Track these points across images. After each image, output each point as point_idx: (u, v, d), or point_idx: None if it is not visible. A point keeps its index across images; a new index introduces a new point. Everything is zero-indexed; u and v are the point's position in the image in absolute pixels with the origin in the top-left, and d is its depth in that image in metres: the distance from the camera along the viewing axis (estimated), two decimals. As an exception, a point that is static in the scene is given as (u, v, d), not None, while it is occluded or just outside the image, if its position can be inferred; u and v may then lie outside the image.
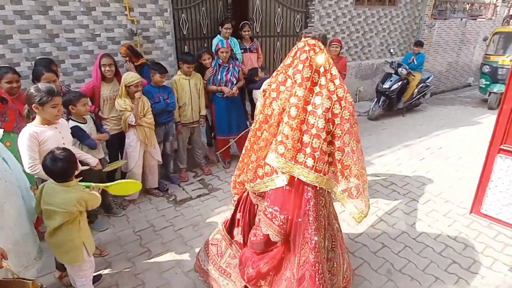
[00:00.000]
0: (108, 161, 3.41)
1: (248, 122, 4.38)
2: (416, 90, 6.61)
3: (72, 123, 2.66)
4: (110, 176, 3.38)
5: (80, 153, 2.49)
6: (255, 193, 1.97)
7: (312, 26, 6.26)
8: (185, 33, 5.03)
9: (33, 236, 1.98)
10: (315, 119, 1.63)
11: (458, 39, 9.41)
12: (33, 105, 2.02)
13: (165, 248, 2.80)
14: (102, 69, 3.08)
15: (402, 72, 6.21)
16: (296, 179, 1.71)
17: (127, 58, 3.72)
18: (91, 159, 2.57)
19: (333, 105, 1.66)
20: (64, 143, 2.24)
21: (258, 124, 1.89)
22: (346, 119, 1.68)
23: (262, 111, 1.87)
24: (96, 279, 2.41)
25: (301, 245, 1.79)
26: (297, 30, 6.27)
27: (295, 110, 1.63)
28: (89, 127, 2.77)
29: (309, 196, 1.75)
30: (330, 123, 1.67)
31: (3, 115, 2.40)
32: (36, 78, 2.71)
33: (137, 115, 3.14)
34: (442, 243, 2.89)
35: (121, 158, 3.44)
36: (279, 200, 1.78)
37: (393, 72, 6.40)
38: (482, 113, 7.05)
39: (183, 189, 3.79)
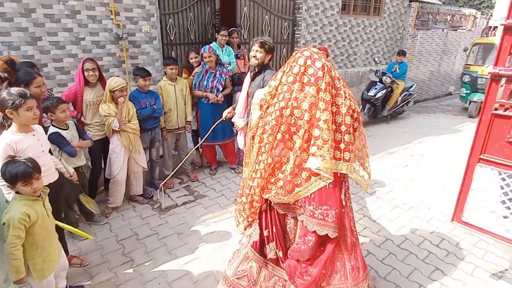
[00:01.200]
0: (91, 167, 3.33)
1: (234, 129, 4.36)
2: (400, 98, 6.78)
3: (52, 129, 2.59)
4: (91, 185, 3.30)
5: (56, 162, 2.40)
6: (281, 204, 1.96)
7: (299, 34, 6.34)
8: (172, 38, 5.01)
9: (2, 256, 1.83)
10: (341, 118, 1.80)
11: (440, 49, 9.72)
12: (7, 110, 1.93)
13: (149, 257, 2.74)
14: (86, 73, 3.01)
15: (386, 80, 6.36)
16: (336, 174, 1.83)
17: (6, 75, 2.86)
18: (67, 169, 2.48)
19: (351, 103, 1.86)
20: (43, 151, 2.17)
21: (270, 138, 1.87)
22: (358, 112, 1.90)
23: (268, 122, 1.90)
24: (77, 290, 2.34)
25: (346, 232, 1.91)
26: (285, 38, 6.34)
27: (328, 114, 1.75)
28: (70, 134, 2.70)
29: (346, 186, 1.94)
30: (353, 119, 1.86)
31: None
32: (26, 83, 2.58)
33: (121, 120, 3.08)
34: (425, 250, 2.93)
35: (105, 164, 3.36)
36: (326, 198, 1.83)
37: (377, 80, 6.54)
38: (462, 121, 7.27)
39: (169, 196, 3.73)
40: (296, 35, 6.40)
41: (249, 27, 5.78)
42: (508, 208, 2.05)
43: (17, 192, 1.82)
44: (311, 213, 1.83)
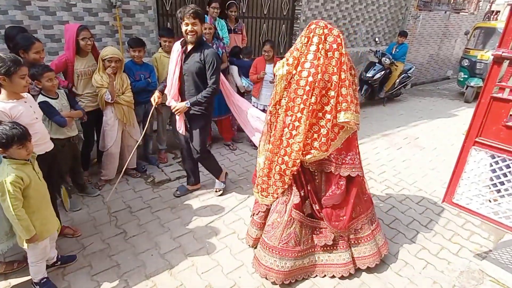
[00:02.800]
0: (83, 139, 3.27)
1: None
2: (398, 80, 6.72)
3: (41, 98, 2.50)
4: (84, 157, 3.26)
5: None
6: (314, 162, 2.21)
7: (300, 10, 6.15)
8: (168, 8, 4.82)
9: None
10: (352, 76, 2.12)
11: (441, 31, 9.56)
12: (0, 76, 1.87)
13: (142, 229, 2.76)
14: (82, 42, 2.90)
15: (386, 61, 6.27)
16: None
17: None
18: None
19: (351, 63, 2.15)
20: (37, 118, 2.12)
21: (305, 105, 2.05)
22: (354, 68, 2.20)
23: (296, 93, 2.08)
24: (70, 259, 2.36)
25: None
26: (284, 13, 6.15)
27: (349, 74, 2.07)
28: (60, 103, 2.62)
29: (357, 133, 2.25)
30: (353, 77, 2.14)
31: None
32: (25, 48, 2.49)
33: (113, 92, 3.01)
34: (413, 230, 3.00)
35: (98, 136, 3.31)
36: (351, 146, 2.21)
37: (376, 61, 6.45)
38: (458, 106, 7.28)
39: (162, 171, 3.72)
40: (296, 11, 6.21)
41: (248, 1, 5.58)
42: (498, 191, 2.08)
43: (4, 157, 1.80)
44: (343, 161, 2.18)
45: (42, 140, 2.16)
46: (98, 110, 3.19)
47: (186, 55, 2.73)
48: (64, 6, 3.80)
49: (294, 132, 2.10)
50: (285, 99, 2.16)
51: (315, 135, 2.09)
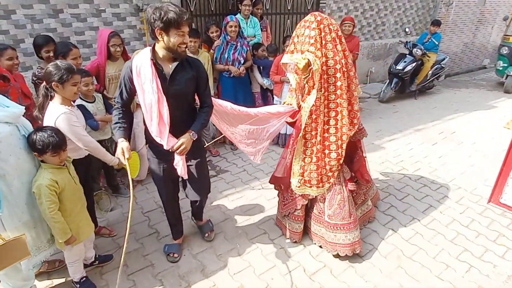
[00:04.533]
0: (116, 141, 3.36)
1: (257, 103, 4.27)
2: (430, 72, 6.38)
3: (78, 101, 2.60)
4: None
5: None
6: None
7: (324, 3, 5.99)
8: (192, 9, 4.85)
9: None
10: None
11: (476, 18, 8.99)
12: (53, 83, 1.94)
13: (173, 229, 2.79)
14: (112, 49, 2.97)
15: (417, 52, 5.97)
16: None
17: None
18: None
19: None
20: (83, 125, 2.20)
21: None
22: None
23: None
24: (107, 258, 2.44)
25: None
26: (309, 7, 6.01)
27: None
28: (95, 107, 2.71)
29: None
30: None
31: (5, 94, 2.34)
32: (63, 54, 2.63)
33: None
34: (453, 231, 2.83)
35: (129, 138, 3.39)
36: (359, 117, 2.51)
37: (407, 52, 6.16)
38: (497, 97, 6.82)
39: (191, 171, 3.75)
40: (321, 4, 6.05)
41: (271, -3, 5.50)
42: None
43: (42, 161, 1.87)
44: (360, 127, 2.57)
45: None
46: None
47: (172, 75, 1.95)
48: (94, 12, 3.93)
49: (339, 117, 2.29)
50: (321, 91, 2.23)
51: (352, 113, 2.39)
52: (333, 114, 2.30)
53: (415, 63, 6.03)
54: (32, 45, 2.94)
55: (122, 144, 1.94)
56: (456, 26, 8.53)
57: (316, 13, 2.24)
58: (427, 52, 6.15)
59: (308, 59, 2.15)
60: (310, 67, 2.20)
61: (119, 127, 2.01)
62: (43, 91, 2.03)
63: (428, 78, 6.48)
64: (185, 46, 1.90)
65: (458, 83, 8.20)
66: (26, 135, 1.83)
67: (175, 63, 1.95)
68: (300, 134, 2.35)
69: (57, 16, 3.73)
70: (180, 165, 2.05)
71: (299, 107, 2.40)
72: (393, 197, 3.28)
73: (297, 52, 2.28)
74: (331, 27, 2.21)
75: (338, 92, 2.24)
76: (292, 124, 2.57)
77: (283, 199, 2.64)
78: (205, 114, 2.16)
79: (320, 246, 2.59)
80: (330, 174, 2.39)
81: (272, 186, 2.82)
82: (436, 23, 6.25)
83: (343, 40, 2.28)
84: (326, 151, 2.35)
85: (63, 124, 1.97)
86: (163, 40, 1.84)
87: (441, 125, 5.19)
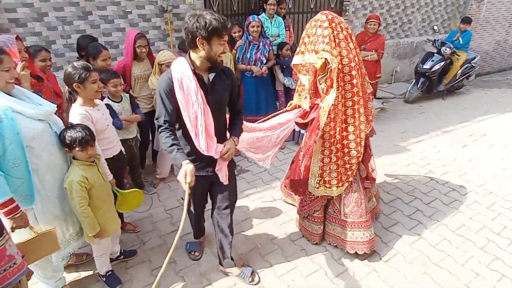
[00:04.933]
0: (140, 139, 3.44)
1: (277, 103, 4.25)
2: (459, 71, 6.12)
3: (105, 101, 2.68)
4: (140, 155, 3.41)
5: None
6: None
7: (348, 1, 5.88)
8: (215, 9, 4.89)
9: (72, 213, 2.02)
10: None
11: (510, 15, 8.53)
12: (74, 84, 2.01)
13: (195, 227, 2.83)
14: (138, 50, 3.04)
15: (446, 51, 5.74)
16: None
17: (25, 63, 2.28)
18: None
19: None
20: (108, 125, 2.25)
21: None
22: None
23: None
24: (131, 254, 2.50)
25: None
26: (332, 6, 5.92)
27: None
28: (121, 106, 2.78)
29: None
30: None
31: (39, 93, 2.44)
32: (93, 56, 2.75)
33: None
34: (484, 237, 2.70)
35: (153, 137, 3.46)
36: None
37: (435, 51, 5.94)
38: (533, 97, 6.46)
39: (212, 170, 3.78)
40: (344, 3, 5.94)
41: (294, -4, 5.46)
42: None
43: (74, 158, 1.94)
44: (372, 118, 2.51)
45: (110, 145, 2.31)
46: (153, 111, 3.33)
47: (211, 84, 1.89)
48: (121, 14, 4.04)
49: (357, 115, 2.28)
50: (338, 90, 2.21)
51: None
52: (350, 112, 2.28)
53: (443, 62, 5.80)
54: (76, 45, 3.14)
55: (187, 166, 1.73)
56: (488, 24, 8.13)
57: (326, 12, 2.23)
58: (456, 51, 5.90)
59: (325, 58, 2.12)
60: (327, 67, 2.17)
61: (177, 149, 1.79)
62: (66, 95, 2.11)
63: (457, 78, 6.22)
64: (223, 55, 1.84)
65: (489, 82, 7.82)
66: (58, 132, 1.91)
67: (213, 73, 1.86)
68: (319, 135, 2.32)
69: (86, 18, 3.87)
70: (223, 170, 1.99)
71: (311, 107, 2.39)
72: (419, 201, 3.17)
73: (308, 52, 2.24)
74: (342, 25, 2.20)
75: (355, 89, 2.23)
76: (302, 126, 2.56)
77: (301, 201, 2.62)
78: (240, 121, 2.14)
79: (336, 246, 2.56)
80: (349, 172, 2.37)
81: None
82: (467, 20, 5.98)
83: (353, 38, 2.27)
84: (346, 150, 2.34)
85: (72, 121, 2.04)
86: (204, 49, 1.72)
87: (471, 127, 4.97)
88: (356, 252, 2.44)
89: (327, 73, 2.21)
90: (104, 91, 2.70)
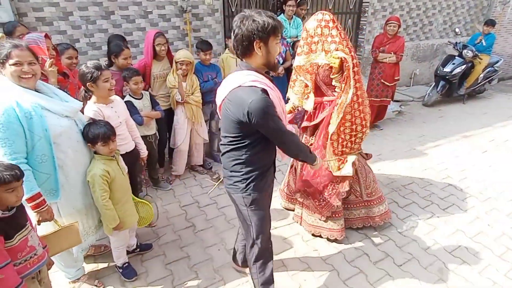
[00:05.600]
0: (158, 137, 3.51)
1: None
2: (481, 75, 5.96)
3: (127, 98, 2.77)
4: (159, 152, 3.48)
5: (136, 133, 2.57)
6: None
7: (368, 2, 5.82)
8: (233, 10, 4.94)
9: (95, 207, 2.08)
10: None
11: (537, 17, 8.23)
12: (88, 83, 2.10)
13: (209, 224, 2.88)
14: (157, 48, 3.11)
15: (468, 54, 5.60)
16: None
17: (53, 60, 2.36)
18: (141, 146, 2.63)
19: None
20: (120, 122, 2.32)
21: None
22: None
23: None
24: (147, 247, 2.57)
25: None
26: (351, 7, 5.88)
27: None
28: (142, 103, 2.86)
29: None
30: None
31: (64, 89, 2.54)
32: (115, 54, 2.85)
33: (182, 93, 3.17)
34: (503, 245, 2.63)
35: (169, 134, 3.53)
36: None
37: (456, 54, 5.80)
38: (559, 103, 6.21)
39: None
40: (364, 4, 5.89)
41: (312, -4, 5.46)
42: None
43: (95, 153, 2.02)
44: None
45: (123, 141, 2.38)
46: (170, 109, 3.40)
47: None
48: (142, 14, 4.14)
49: (361, 108, 2.34)
50: (355, 87, 2.27)
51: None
52: (358, 103, 2.34)
53: (464, 66, 5.67)
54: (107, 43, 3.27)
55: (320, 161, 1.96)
56: (513, 26, 7.87)
57: (325, 11, 2.23)
58: (478, 54, 5.74)
59: (342, 58, 2.15)
60: (346, 65, 2.20)
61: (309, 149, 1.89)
62: (82, 93, 2.20)
63: (479, 82, 6.05)
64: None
65: (513, 87, 7.57)
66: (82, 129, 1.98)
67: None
68: (329, 140, 2.38)
69: (109, 17, 3.99)
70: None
71: (316, 108, 2.48)
72: (436, 206, 3.11)
73: (314, 53, 2.26)
74: (339, 25, 2.25)
75: (358, 85, 2.28)
76: (303, 129, 2.64)
77: (318, 203, 2.60)
78: None
79: (363, 227, 2.75)
80: (360, 134, 2.46)
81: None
82: (491, 23, 5.81)
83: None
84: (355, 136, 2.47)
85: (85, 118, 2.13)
86: (262, 53, 1.56)
87: (492, 132, 4.83)
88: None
89: (345, 71, 2.23)
90: (125, 89, 2.79)
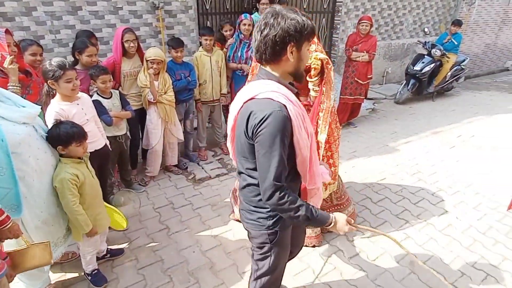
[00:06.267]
0: (130, 137, 3.40)
1: None
2: (449, 73, 6.21)
3: (94, 97, 2.66)
4: (131, 155, 3.37)
5: (102, 130, 2.49)
6: None
7: (341, 2, 5.91)
8: (207, 7, 4.87)
9: (62, 215, 1.98)
10: None
11: (500, 18, 8.69)
12: (49, 81, 2.02)
13: (184, 226, 2.81)
14: (126, 45, 3.01)
15: (436, 53, 5.82)
16: None
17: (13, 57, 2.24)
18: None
19: None
20: (87, 119, 2.23)
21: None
22: None
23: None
24: (118, 252, 2.47)
25: None
26: (325, 6, 5.95)
27: None
28: (111, 103, 2.75)
29: None
30: None
31: (27, 88, 2.40)
32: (79, 50, 2.71)
33: (155, 92, 3.09)
34: (470, 237, 2.74)
35: (142, 135, 3.43)
36: None
37: (425, 53, 6.01)
38: (520, 100, 6.58)
39: (202, 168, 3.77)
40: (337, 3, 5.98)
41: (287, -5, 5.46)
42: None
43: (61, 156, 1.91)
44: None
45: (92, 139, 2.28)
46: (142, 109, 3.29)
47: None
48: (111, 9, 3.99)
49: (335, 110, 2.42)
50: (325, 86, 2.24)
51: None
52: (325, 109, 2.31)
53: (433, 64, 5.88)
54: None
55: (340, 217, 1.45)
56: (478, 26, 8.27)
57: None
58: (446, 53, 5.98)
59: (323, 59, 2.11)
60: (329, 67, 2.16)
61: (312, 207, 1.36)
62: (45, 90, 2.11)
63: (447, 80, 6.31)
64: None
65: (478, 85, 7.95)
66: (44, 135, 1.86)
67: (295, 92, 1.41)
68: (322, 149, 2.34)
69: (76, 13, 3.81)
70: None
71: None
72: (407, 201, 3.20)
73: None
74: None
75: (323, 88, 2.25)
76: None
77: None
78: None
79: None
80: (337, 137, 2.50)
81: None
82: (457, 23, 6.06)
83: None
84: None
85: (47, 118, 2.06)
86: (294, 59, 1.30)
87: (460, 128, 5.04)
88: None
89: (325, 74, 2.16)
90: (91, 88, 2.67)
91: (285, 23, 1.22)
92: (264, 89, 1.28)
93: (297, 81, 1.40)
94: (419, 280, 2.33)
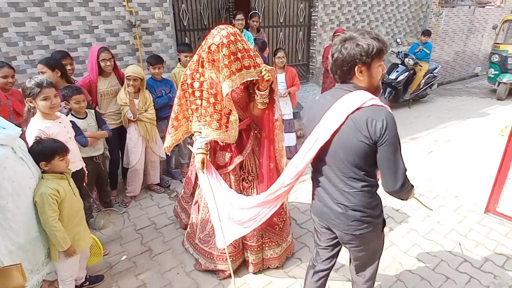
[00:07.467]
0: (109, 157, 3.31)
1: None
2: (423, 81, 6.46)
3: (69, 117, 2.57)
4: (111, 175, 3.29)
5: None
6: None
7: (316, 15, 6.08)
8: (185, 24, 4.90)
9: (42, 240, 1.88)
10: None
11: (466, 27, 9.16)
12: (27, 99, 2.02)
13: (167, 247, 2.73)
14: (102, 64, 2.96)
15: (409, 62, 6.05)
16: None
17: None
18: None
19: None
20: (70, 137, 2.21)
21: None
22: None
23: None
24: (98, 279, 2.36)
25: None
26: (301, 20, 6.10)
27: None
28: (86, 123, 2.68)
29: None
30: None
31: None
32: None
33: (134, 110, 3.04)
34: (452, 241, 2.79)
35: (122, 153, 3.35)
36: None
37: (399, 62, 6.23)
38: (490, 104, 6.89)
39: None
40: (312, 17, 6.15)
41: (263, 10, 5.58)
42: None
43: (43, 172, 1.88)
44: None
45: (72, 159, 2.21)
46: (121, 127, 3.23)
47: None
48: (86, 28, 3.94)
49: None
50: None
51: None
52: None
53: (407, 73, 6.10)
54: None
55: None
56: (447, 35, 8.68)
57: (227, 26, 1.92)
58: (419, 62, 6.22)
59: (270, 70, 2.02)
60: (276, 76, 2.17)
61: None
62: (27, 106, 2.09)
63: (421, 87, 6.54)
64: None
65: (451, 91, 8.28)
66: (23, 157, 1.79)
67: None
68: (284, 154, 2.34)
69: (49, 33, 3.74)
70: None
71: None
72: (390, 208, 3.24)
73: (239, 71, 1.88)
74: None
75: None
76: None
77: (278, 229, 2.48)
78: None
79: None
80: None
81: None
82: (427, 33, 6.35)
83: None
84: None
85: (28, 137, 2.01)
86: (364, 78, 1.44)
87: (436, 134, 5.21)
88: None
89: (269, 86, 2.06)
90: (60, 109, 2.58)
91: (352, 49, 1.38)
92: (364, 98, 1.39)
93: (374, 93, 1.48)
94: (405, 287, 2.33)
